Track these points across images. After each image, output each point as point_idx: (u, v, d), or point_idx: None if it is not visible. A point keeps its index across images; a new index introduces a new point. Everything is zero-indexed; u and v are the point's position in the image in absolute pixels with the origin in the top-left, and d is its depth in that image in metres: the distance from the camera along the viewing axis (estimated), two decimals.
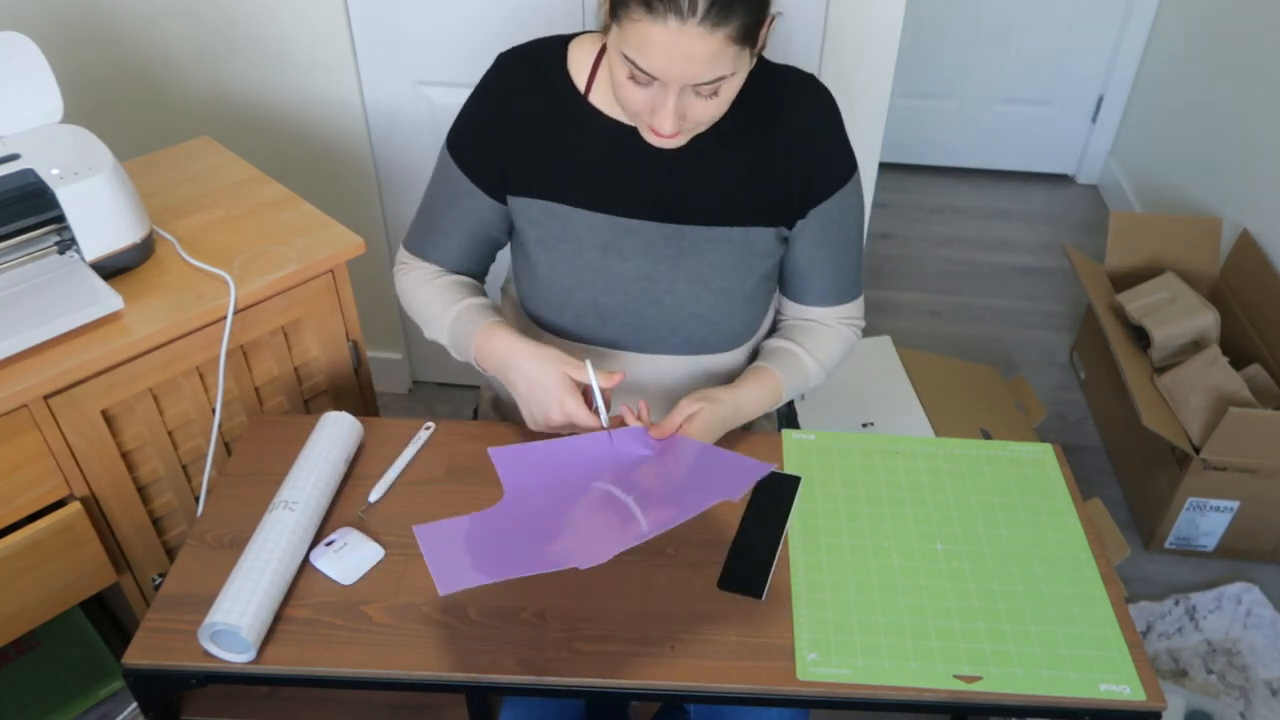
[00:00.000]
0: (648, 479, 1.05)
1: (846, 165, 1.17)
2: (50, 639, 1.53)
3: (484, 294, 1.27)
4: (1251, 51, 2.41)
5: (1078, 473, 2.21)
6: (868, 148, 1.90)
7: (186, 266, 1.33)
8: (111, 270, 1.28)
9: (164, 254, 1.35)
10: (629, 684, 0.96)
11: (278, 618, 1.00)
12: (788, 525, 1.11)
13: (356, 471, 1.17)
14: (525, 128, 1.16)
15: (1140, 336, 2.11)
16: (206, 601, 0.98)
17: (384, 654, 0.97)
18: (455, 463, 1.19)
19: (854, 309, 1.27)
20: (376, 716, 1.13)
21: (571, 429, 1.11)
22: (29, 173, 1.22)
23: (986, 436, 1.95)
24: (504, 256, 1.32)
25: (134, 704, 1.48)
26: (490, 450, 1.11)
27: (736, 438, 1.22)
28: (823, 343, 1.25)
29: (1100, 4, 2.99)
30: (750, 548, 1.08)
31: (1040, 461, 1.20)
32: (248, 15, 1.86)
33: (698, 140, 1.11)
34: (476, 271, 1.30)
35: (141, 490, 1.34)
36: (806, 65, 1.77)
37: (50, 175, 1.21)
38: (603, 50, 1.14)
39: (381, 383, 2.35)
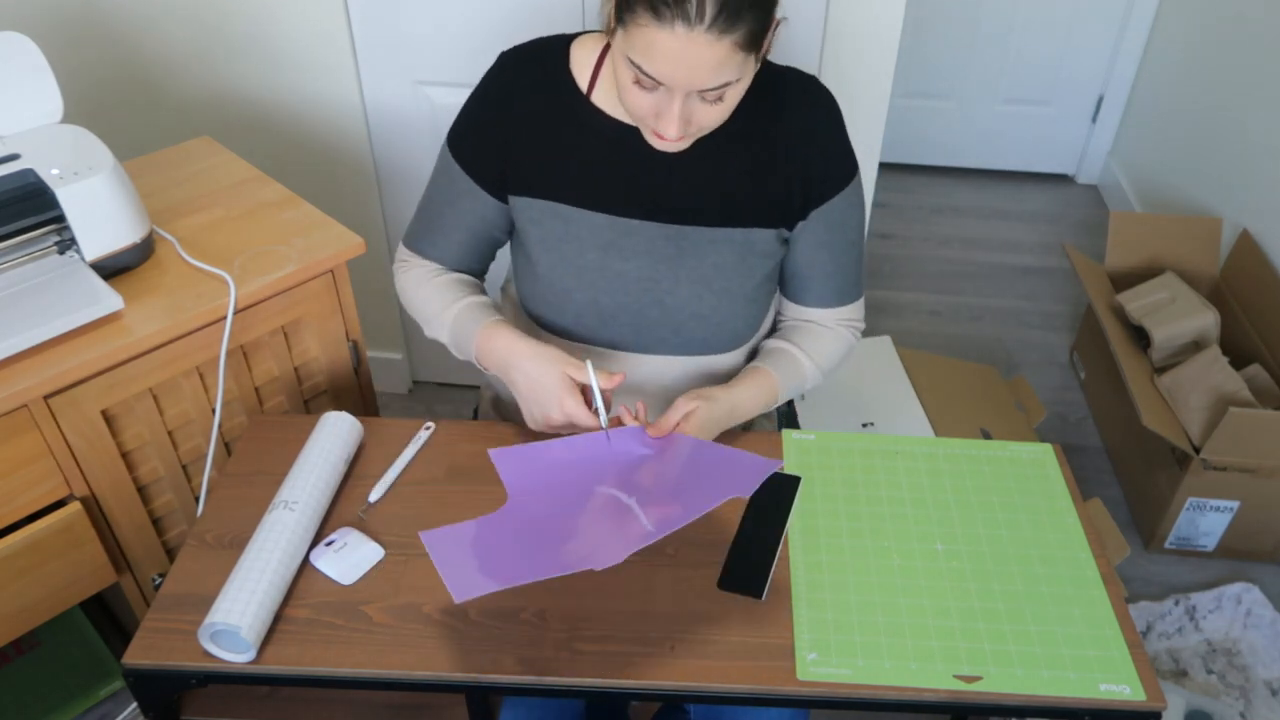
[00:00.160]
0: (650, 479, 1.05)
1: (848, 167, 1.17)
2: (50, 639, 1.53)
3: (484, 292, 1.27)
4: (1252, 52, 2.41)
5: (1078, 473, 2.21)
6: (868, 148, 1.90)
7: (186, 266, 1.33)
8: (111, 270, 1.28)
9: (164, 254, 1.35)
10: (629, 684, 0.96)
11: (278, 618, 1.00)
12: (788, 525, 1.11)
13: (356, 471, 1.17)
14: (527, 127, 1.16)
15: (1140, 336, 2.11)
16: (206, 601, 0.98)
17: (384, 654, 0.97)
18: (455, 463, 1.19)
19: (853, 311, 1.27)
20: (376, 716, 1.14)
21: (571, 429, 1.11)
22: (29, 173, 1.22)
23: (986, 436, 1.95)
24: (503, 255, 1.32)
25: (134, 704, 1.48)
26: (490, 452, 1.11)
27: (736, 437, 1.22)
28: (821, 344, 1.25)
29: (1100, 4, 2.99)
30: (750, 548, 1.08)
31: (1040, 461, 1.20)
32: (248, 15, 1.86)
33: (699, 141, 1.11)
34: (476, 270, 1.30)
35: (141, 490, 1.34)
36: (806, 66, 1.78)
37: (50, 175, 1.21)
38: (605, 50, 1.14)
39: (381, 383, 2.35)
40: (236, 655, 0.97)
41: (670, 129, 1.02)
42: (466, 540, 0.99)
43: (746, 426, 1.31)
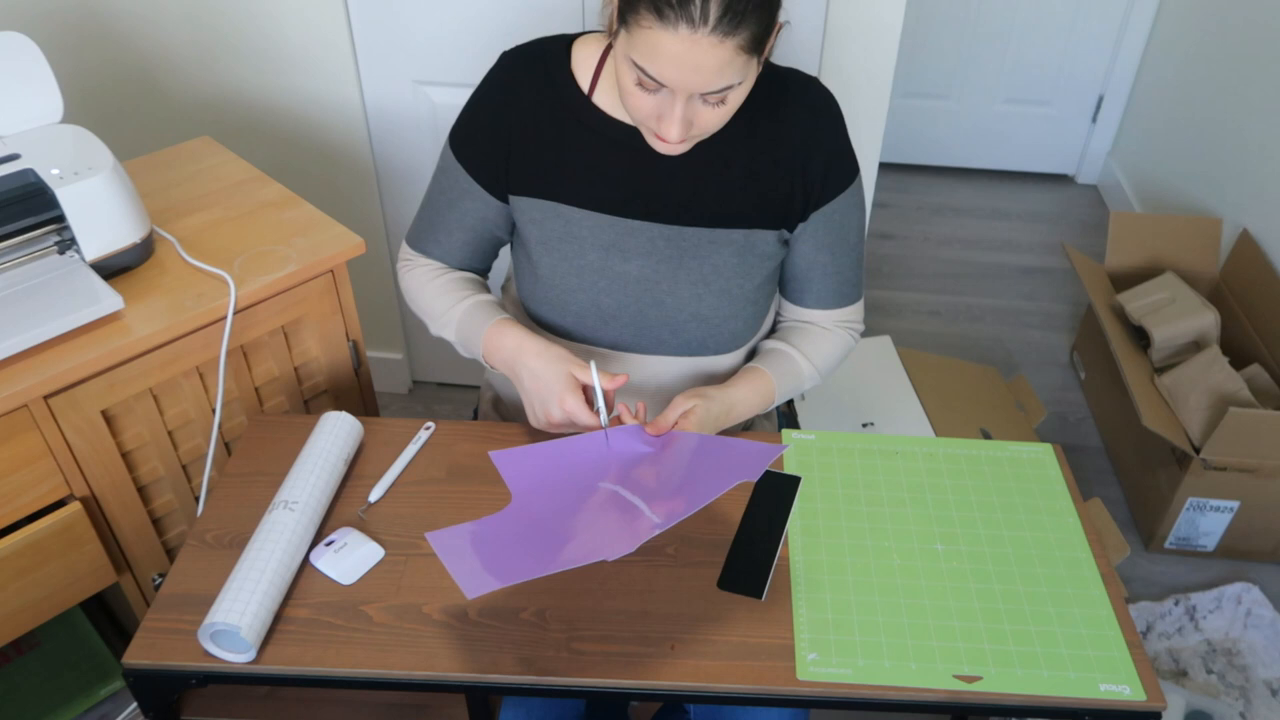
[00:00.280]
0: (652, 475, 1.05)
1: (849, 169, 1.17)
2: (50, 639, 1.53)
3: (489, 290, 1.28)
4: (1252, 52, 2.41)
5: (1078, 473, 2.21)
6: (868, 148, 1.90)
7: (186, 266, 1.33)
8: (111, 270, 1.28)
9: (164, 254, 1.35)
10: (629, 684, 0.96)
11: (278, 618, 1.00)
12: (788, 525, 1.11)
13: (356, 471, 1.17)
14: (528, 127, 1.16)
15: (1140, 336, 2.11)
16: (206, 601, 0.98)
17: (384, 654, 0.97)
18: (455, 463, 1.19)
19: (853, 312, 1.27)
20: (376, 716, 1.14)
21: (571, 427, 1.11)
22: (29, 173, 1.22)
23: (986, 436, 1.95)
24: (504, 255, 1.32)
25: (134, 704, 1.48)
26: (491, 454, 1.11)
27: (736, 437, 1.22)
28: (819, 346, 1.25)
29: (1100, 4, 2.99)
30: (750, 548, 1.08)
31: (1040, 461, 1.20)
32: (248, 16, 1.86)
33: (700, 142, 1.11)
34: (480, 268, 1.30)
35: (141, 490, 1.34)
36: (806, 66, 1.78)
37: (50, 175, 1.21)
38: (606, 51, 1.14)
39: (381, 383, 2.36)
40: (236, 655, 0.97)
41: (672, 131, 1.02)
42: (473, 538, 0.99)
43: (746, 426, 1.31)
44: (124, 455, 1.30)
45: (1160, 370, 2.05)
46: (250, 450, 1.20)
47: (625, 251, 1.17)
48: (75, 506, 1.24)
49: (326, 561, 1.05)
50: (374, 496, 1.14)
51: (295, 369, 1.45)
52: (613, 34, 1.03)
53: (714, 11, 0.92)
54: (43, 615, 1.27)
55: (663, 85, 0.98)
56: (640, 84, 1.00)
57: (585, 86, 1.14)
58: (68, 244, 1.26)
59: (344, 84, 1.92)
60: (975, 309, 2.77)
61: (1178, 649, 1.85)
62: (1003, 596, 1.03)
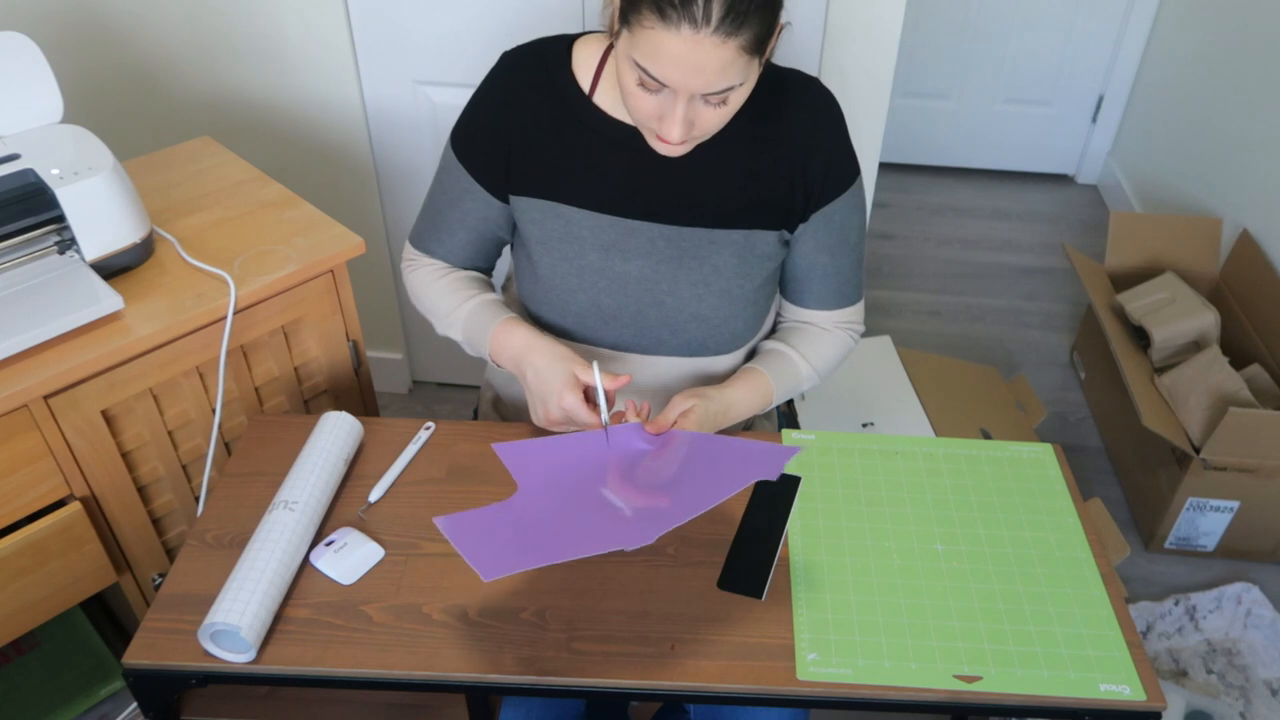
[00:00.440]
0: (653, 473, 1.05)
1: (849, 169, 1.17)
2: (50, 639, 1.53)
3: (494, 289, 1.28)
4: (1252, 52, 2.41)
5: (1078, 473, 2.21)
6: (868, 148, 1.90)
7: (186, 266, 1.33)
8: (111, 270, 1.28)
9: (164, 254, 1.35)
10: (629, 684, 0.96)
11: (278, 618, 1.00)
12: (788, 525, 1.11)
13: (356, 471, 1.17)
14: (528, 127, 1.15)
15: (1140, 336, 2.11)
16: (206, 601, 0.98)
17: (384, 654, 0.97)
18: (455, 463, 1.19)
19: (853, 313, 1.27)
20: (376, 716, 1.14)
21: (570, 425, 1.11)
22: (29, 173, 1.22)
23: (986, 436, 1.95)
24: (505, 255, 1.32)
25: (134, 704, 1.48)
26: (495, 445, 1.11)
27: (737, 437, 1.22)
28: (818, 346, 1.25)
29: (1100, 4, 2.99)
30: (750, 548, 1.08)
31: (1040, 461, 1.20)
32: (248, 16, 1.86)
33: (701, 143, 1.11)
34: (483, 267, 1.30)
35: (141, 490, 1.34)
36: (806, 66, 1.78)
37: (50, 175, 1.21)
38: (607, 51, 1.14)
39: (381, 383, 2.36)
40: (236, 655, 0.97)
41: (673, 132, 1.02)
42: (485, 524, 0.98)
43: (746, 426, 1.31)
44: (124, 455, 1.30)
45: (1160, 370, 2.05)
46: (250, 450, 1.20)
47: (625, 252, 1.17)
48: (75, 506, 1.24)
49: (326, 561, 1.05)
50: (374, 496, 1.14)
51: (295, 369, 1.45)
52: (614, 34, 1.02)
53: (716, 12, 0.92)
54: (43, 615, 1.27)
55: (664, 86, 0.98)
56: (642, 84, 1.00)
57: (586, 87, 1.14)
58: (68, 244, 1.26)
59: (344, 84, 1.92)
60: (975, 309, 2.77)
61: (1178, 649, 1.85)
62: (1003, 596, 1.03)
